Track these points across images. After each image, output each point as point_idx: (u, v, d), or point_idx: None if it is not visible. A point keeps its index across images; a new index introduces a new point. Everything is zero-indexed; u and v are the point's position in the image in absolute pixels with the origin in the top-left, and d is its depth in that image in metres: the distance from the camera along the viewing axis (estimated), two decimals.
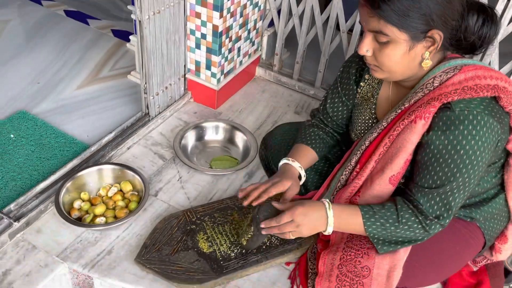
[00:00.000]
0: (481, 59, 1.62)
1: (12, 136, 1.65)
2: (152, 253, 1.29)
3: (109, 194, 1.45)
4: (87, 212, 1.40)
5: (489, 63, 1.62)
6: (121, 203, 1.43)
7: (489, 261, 1.35)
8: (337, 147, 1.47)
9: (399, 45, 1.02)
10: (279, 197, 1.25)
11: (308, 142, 1.36)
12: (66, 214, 1.34)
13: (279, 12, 1.95)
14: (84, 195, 1.44)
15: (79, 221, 1.36)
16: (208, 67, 1.81)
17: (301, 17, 1.91)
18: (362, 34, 1.83)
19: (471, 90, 1.02)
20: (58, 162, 1.58)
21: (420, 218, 1.08)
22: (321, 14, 1.85)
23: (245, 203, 1.21)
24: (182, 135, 1.70)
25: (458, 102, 1.01)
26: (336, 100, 1.34)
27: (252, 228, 1.22)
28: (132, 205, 1.42)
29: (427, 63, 1.06)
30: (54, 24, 2.37)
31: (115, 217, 1.39)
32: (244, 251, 1.32)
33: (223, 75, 1.87)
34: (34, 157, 1.59)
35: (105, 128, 1.75)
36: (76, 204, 1.41)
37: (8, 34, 2.24)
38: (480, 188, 1.18)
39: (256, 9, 1.90)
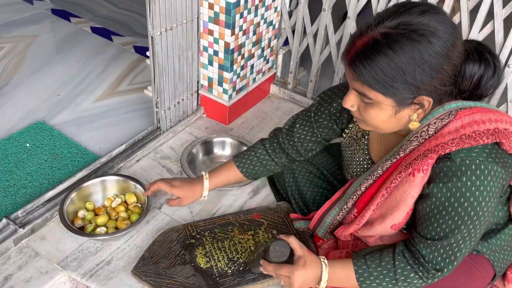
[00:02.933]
0: None
1: (28, 145, 1.71)
2: (149, 266, 1.29)
3: (113, 205, 1.47)
4: (90, 221, 1.43)
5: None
6: (123, 214, 1.44)
7: None
8: (339, 171, 1.45)
9: (383, 109, 0.97)
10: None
11: (243, 166, 1.35)
12: (68, 223, 1.37)
13: (294, 31, 1.96)
14: (89, 205, 1.46)
15: (81, 230, 1.39)
16: (220, 83, 1.83)
17: (315, 36, 1.91)
18: None
19: (469, 138, 0.95)
20: (69, 171, 1.62)
21: (420, 273, 1.04)
22: (335, 33, 1.85)
23: (146, 193, 1.39)
24: (190, 149, 1.71)
25: (458, 152, 0.95)
26: (307, 129, 1.27)
27: (256, 255, 1.22)
28: (134, 217, 1.43)
29: (415, 125, 1.00)
30: (80, 39, 2.46)
31: (116, 228, 1.41)
32: (241, 268, 1.30)
33: (235, 92, 1.88)
34: (46, 166, 1.63)
35: (117, 141, 1.78)
36: (80, 213, 1.44)
37: (35, 48, 2.34)
38: None
39: (271, 27, 1.91)
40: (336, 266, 1.11)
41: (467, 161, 0.94)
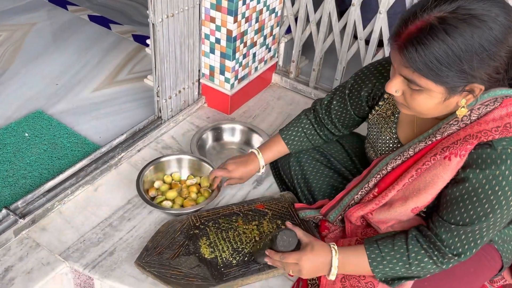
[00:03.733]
0: None
1: (26, 135, 1.68)
2: (152, 256, 1.27)
3: (188, 183, 1.52)
4: (162, 193, 1.47)
5: None
6: (193, 195, 1.48)
7: (507, 282, 1.27)
8: (350, 161, 1.43)
9: (433, 95, 0.92)
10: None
11: (288, 139, 1.39)
12: (142, 191, 1.42)
13: (296, 19, 1.93)
14: (167, 178, 1.52)
15: (151, 200, 1.43)
16: (222, 72, 1.80)
17: (318, 24, 1.88)
18: (380, 44, 1.79)
19: None
20: (69, 161, 1.59)
21: (435, 258, 1.02)
22: (339, 21, 1.82)
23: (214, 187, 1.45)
24: (200, 135, 1.70)
25: (500, 140, 0.92)
26: (342, 106, 1.29)
27: (262, 244, 1.20)
28: (200, 199, 1.46)
29: (463, 112, 0.95)
30: (77, 28, 2.41)
31: (182, 206, 1.44)
32: (246, 258, 1.28)
33: (237, 81, 1.85)
34: (45, 156, 1.60)
35: (117, 130, 1.75)
36: (156, 183, 1.50)
37: (32, 36, 2.30)
38: None
39: (273, 15, 1.88)
40: (347, 251, 1.09)
41: (509, 150, 0.91)
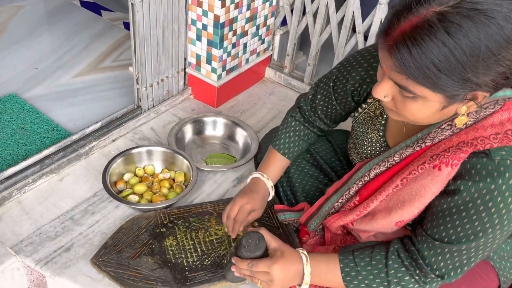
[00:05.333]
0: None
1: None
2: (111, 255, 1.15)
3: (160, 177, 1.41)
4: (132, 186, 1.37)
5: None
6: (164, 191, 1.37)
7: None
8: (337, 161, 1.30)
9: (429, 104, 0.77)
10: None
11: (283, 148, 1.21)
12: (109, 184, 1.32)
13: (292, 10, 1.81)
14: (138, 171, 1.42)
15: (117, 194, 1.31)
16: (208, 62, 1.68)
17: (315, 16, 1.76)
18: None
19: None
20: (36, 148, 1.48)
21: (417, 277, 0.89)
22: (336, 12, 1.70)
23: (233, 236, 1.17)
24: (179, 127, 1.58)
25: (499, 149, 0.79)
26: (327, 100, 1.13)
27: (229, 256, 1.08)
28: (171, 195, 1.34)
29: (462, 120, 0.80)
30: (67, 13, 2.31)
31: (150, 201, 1.33)
32: (214, 263, 1.16)
33: (225, 72, 1.73)
34: (12, 141, 1.49)
35: (94, 118, 1.64)
36: (126, 176, 1.40)
37: (19, 19, 2.20)
38: None
39: (267, 4, 1.76)
40: (319, 260, 0.96)
41: (508, 161, 0.78)
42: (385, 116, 1.02)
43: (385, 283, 0.90)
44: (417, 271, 0.88)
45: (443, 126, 0.86)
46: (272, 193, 1.20)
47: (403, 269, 0.89)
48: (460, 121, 0.80)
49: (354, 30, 1.70)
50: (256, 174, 1.20)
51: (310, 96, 1.18)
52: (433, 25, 0.68)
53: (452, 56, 0.68)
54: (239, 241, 0.98)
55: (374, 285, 0.91)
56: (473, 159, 0.81)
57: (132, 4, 1.41)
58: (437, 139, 0.86)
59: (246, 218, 1.14)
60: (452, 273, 0.87)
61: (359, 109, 1.07)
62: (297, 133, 1.22)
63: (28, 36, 2.08)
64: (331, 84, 1.11)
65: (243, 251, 0.96)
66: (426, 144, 0.88)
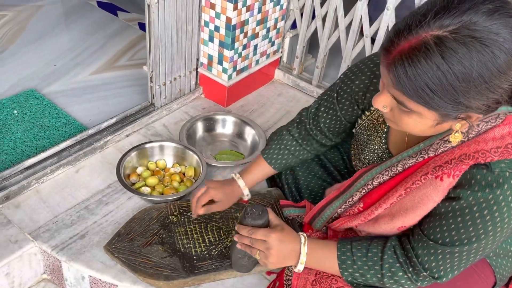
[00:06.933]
0: None
1: (15, 112, 1.65)
2: (123, 242, 1.21)
3: (171, 171, 1.47)
4: (144, 180, 1.43)
5: None
6: (175, 184, 1.43)
7: None
8: (341, 160, 1.34)
9: (423, 120, 0.81)
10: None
11: (271, 158, 1.24)
12: (122, 176, 1.37)
13: (302, 14, 1.86)
14: (150, 164, 1.48)
15: (130, 186, 1.37)
16: (220, 62, 1.75)
17: (324, 20, 1.81)
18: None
19: None
20: (54, 141, 1.55)
21: (410, 274, 0.93)
22: (345, 16, 1.75)
23: (193, 215, 1.23)
24: (190, 124, 1.65)
25: (499, 161, 0.82)
26: (331, 112, 1.14)
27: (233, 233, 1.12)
28: (181, 189, 1.40)
29: (457, 137, 0.83)
30: (84, 13, 2.39)
31: (162, 193, 1.39)
32: (221, 253, 1.21)
33: (235, 72, 1.79)
34: (31, 134, 1.56)
35: (109, 114, 1.70)
36: (138, 169, 1.45)
37: (38, 19, 2.28)
38: None
39: (278, 7, 1.82)
40: (317, 244, 1.01)
41: (507, 173, 0.81)
42: (387, 124, 1.05)
43: (379, 275, 0.95)
44: (410, 269, 0.93)
45: (445, 138, 0.89)
46: (245, 192, 1.24)
47: (398, 265, 0.94)
48: (455, 138, 0.84)
49: (362, 33, 1.75)
50: (233, 174, 1.25)
51: (313, 110, 1.19)
52: (430, 48, 0.71)
53: (445, 79, 0.72)
54: (244, 210, 1.04)
55: (368, 275, 0.96)
56: (473, 170, 0.84)
57: (148, 5, 1.47)
58: (439, 151, 0.90)
59: (206, 200, 1.19)
60: (442, 273, 0.91)
61: (363, 116, 1.10)
62: (288, 147, 1.23)
63: (46, 35, 2.16)
64: (334, 95, 1.13)
65: (246, 216, 1.03)
66: (429, 155, 0.91)
